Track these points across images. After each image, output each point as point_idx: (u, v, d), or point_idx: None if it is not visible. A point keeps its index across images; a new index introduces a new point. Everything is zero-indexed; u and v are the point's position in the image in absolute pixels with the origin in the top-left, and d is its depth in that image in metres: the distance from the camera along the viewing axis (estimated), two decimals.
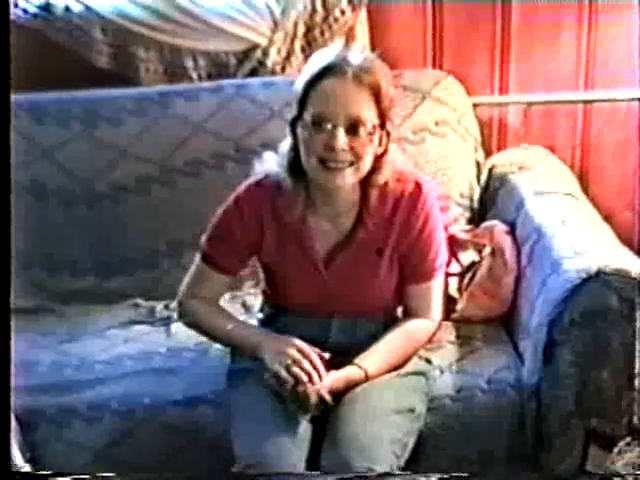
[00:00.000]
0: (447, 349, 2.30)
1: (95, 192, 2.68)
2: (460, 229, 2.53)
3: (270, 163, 2.07)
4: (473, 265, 2.43)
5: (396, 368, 2.05)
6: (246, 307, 2.52)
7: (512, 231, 2.45)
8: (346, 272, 2.06)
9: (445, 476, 1.91)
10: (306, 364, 1.93)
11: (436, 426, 2.10)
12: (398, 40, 2.88)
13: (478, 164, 2.78)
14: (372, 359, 2.02)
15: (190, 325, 2.18)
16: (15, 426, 2.04)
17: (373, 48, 2.83)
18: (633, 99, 2.90)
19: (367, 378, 1.99)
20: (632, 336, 2.05)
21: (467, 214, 2.72)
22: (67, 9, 2.78)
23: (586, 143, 2.98)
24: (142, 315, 2.59)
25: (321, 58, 1.97)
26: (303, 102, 1.95)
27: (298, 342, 1.97)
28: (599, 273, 2.03)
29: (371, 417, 1.94)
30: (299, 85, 1.96)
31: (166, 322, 2.53)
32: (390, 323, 2.09)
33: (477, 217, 2.70)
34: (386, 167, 2.01)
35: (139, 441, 2.16)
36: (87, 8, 2.78)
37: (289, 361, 1.93)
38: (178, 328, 2.42)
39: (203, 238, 2.12)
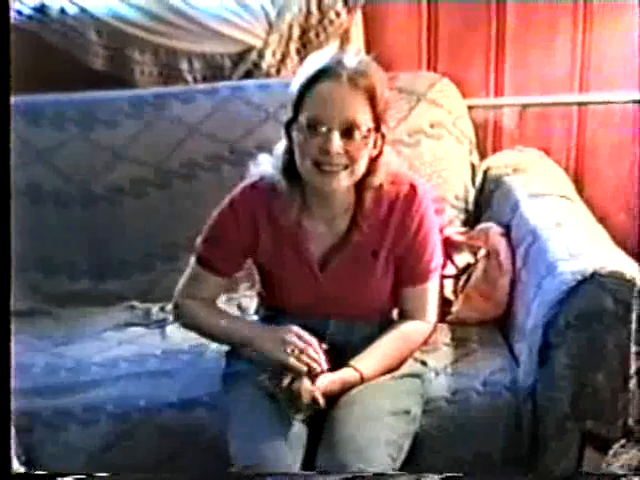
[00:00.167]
0: (442, 351, 2.30)
1: (91, 194, 2.68)
2: (455, 231, 2.53)
3: (265, 165, 2.07)
4: (468, 267, 2.43)
5: (392, 370, 2.05)
6: (242, 309, 2.52)
7: (507, 233, 2.45)
8: (341, 274, 2.06)
9: (440, 477, 1.91)
10: (310, 351, 1.95)
11: (432, 428, 2.10)
12: (393, 42, 2.89)
13: (473, 166, 2.79)
14: (368, 361, 2.02)
15: (187, 326, 2.18)
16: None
17: (368, 50, 2.84)
18: (628, 101, 2.91)
19: (363, 380, 1.99)
20: (627, 338, 2.06)
21: (462, 216, 2.73)
22: (62, 11, 2.78)
23: (581, 145, 2.99)
24: (138, 317, 2.59)
25: (316, 61, 1.97)
26: (298, 105, 1.95)
27: (295, 329, 1.98)
28: (594, 275, 2.03)
29: (367, 419, 1.94)
30: (294, 87, 1.96)
31: (161, 324, 2.53)
32: (386, 325, 2.10)
33: (472, 219, 2.71)
34: (381, 169, 2.01)
35: (135, 443, 2.15)
36: (82, 10, 2.78)
37: (296, 349, 1.94)
38: (173, 330, 2.43)
39: (198, 240, 2.12)
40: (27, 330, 2.42)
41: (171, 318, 2.47)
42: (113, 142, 2.69)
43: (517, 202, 2.49)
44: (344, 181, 1.97)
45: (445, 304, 2.38)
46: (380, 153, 2.00)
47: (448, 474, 1.94)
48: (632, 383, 2.10)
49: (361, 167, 1.97)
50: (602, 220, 2.43)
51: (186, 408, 2.16)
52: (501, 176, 2.69)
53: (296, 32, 2.83)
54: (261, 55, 2.83)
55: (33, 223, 2.55)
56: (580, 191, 2.71)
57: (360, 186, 2.01)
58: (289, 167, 2.00)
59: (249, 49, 2.83)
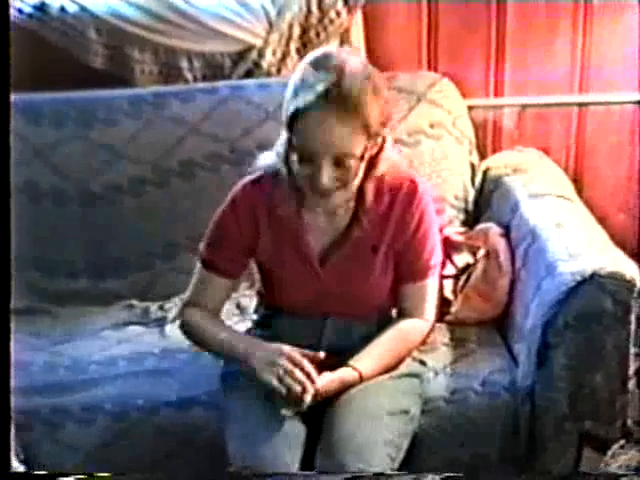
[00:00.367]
0: (441, 351, 2.30)
1: (90, 193, 2.68)
2: (455, 231, 2.53)
3: (268, 158, 2.05)
4: (468, 267, 2.43)
5: (390, 369, 2.05)
6: (240, 308, 2.52)
7: (507, 233, 2.45)
8: (342, 270, 2.05)
9: (439, 477, 1.90)
10: (298, 373, 1.90)
11: (430, 428, 2.10)
12: (393, 42, 2.89)
13: (473, 166, 2.79)
14: (366, 360, 2.01)
15: (186, 334, 2.15)
16: None
17: (368, 50, 2.85)
18: (627, 102, 2.91)
19: (361, 380, 1.99)
20: (626, 339, 2.06)
21: (462, 216, 2.73)
22: (62, 9, 2.77)
23: (580, 146, 2.99)
24: (136, 316, 2.58)
25: (308, 81, 1.86)
26: (291, 125, 1.89)
27: (288, 350, 1.93)
28: (594, 276, 2.03)
29: (365, 419, 1.94)
30: (286, 104, 1.90)
31: (160, 323, 2.53)
32: (384, 325, 2.09)
33: (472, 219, 2.71)
34: (382, 163, 1.98)
35: (133, 442, 2.15)
36: (82, 8, 2.78)
37: (281, 371, 1.90)
38: (172, 329, 2.43)
39: (202, 244, 2.11)
40: (25, 329, 2.42)
41: (170, 317, 2.48)
42: (112, 141, 2.69)
43: (517, 202, 2.49)
44: (339, 199, 1.97)
45: (444, 304, 2.39)
46: (381, 149, 1.97)
47: (446, 474, 1.94)
48: (631, 384, 2.10)
49: (357, 180, 1.94)
50: (601, 220, 2.43)
51: (184, 407, 2.16)
52: (501, 176, 2.69)
53: (296, 31, 2.82)
54: (261, 54, 2.83)
55: (32, 222, 2.55)
56: (579, 191, 2.71)
57: (361, 180, 1.99)
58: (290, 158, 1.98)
59: (249, 48, 2.83)
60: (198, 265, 2.11)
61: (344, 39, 2.85)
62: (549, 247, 2.21)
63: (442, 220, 2.40)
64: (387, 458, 1.91)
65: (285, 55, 2.84)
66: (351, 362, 2.00)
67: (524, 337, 2.17)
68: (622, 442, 2.11)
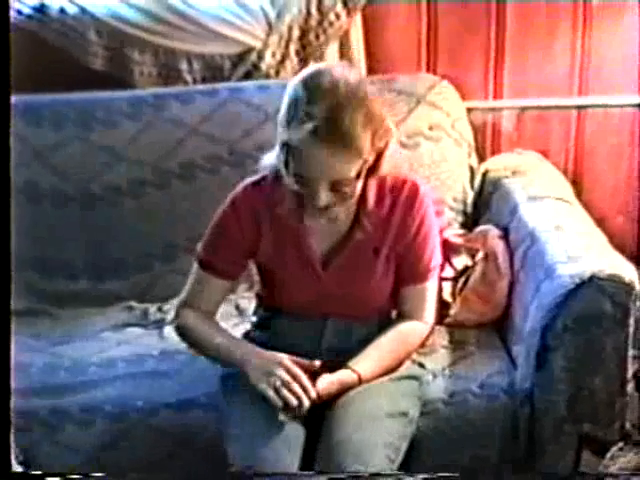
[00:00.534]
0: (440, 353, 2.30)
1: (89, 194, 2.68)
2: (453, 233, 2.53)
3: (271, 158, 2.04)
4: (466, 270, 2.43)
5: (390, 371, 2.05)
6: (239, 310, 2.52)
7: (505, 236, 2.45)
8: (343, 272, 2.05)
9: (437, 479, 1.91)
10: (295, 386, 1.89)
11: (429, 430, 2.10)
12: (393, 44, 2.89)
13: (472, 169, 2.79)
14: (366, 363, 2.01)
15: (181, 336, 2.15)
16: None
17: (368, 52, 2.85)
18: (627, 105, 2.91)
19: (361, 382, 1.99)
20: (625, 341, 2.06)
21: (460, 218, 2.73)
22: (62, 11, 2.78)
23: (579, 148, 2.99)
24: (135, 318, 2.58)
25: (298, 114, 1.85)
26: (287, 146, 1.88)
27: (285, 360, 1.92)
28: (593, 278, 2.04)
29: (365, 421, 1.93)
30: (279, 129, 1.89)
31: (159, 325, 2.53)
32: (385, 326, 2.09)
33: (471, 222, 2.71)
34: (385, 163, 1.96)
35: (132, 444, 2.15)
36: (82, 10, 2.78)
37: (277, 382, 1.89)
38: (171, 331, 2.41)
39: (199, 245, 2.10)
40: (25, 330, 2.41)
41: (169, 318, 2.47)
42: (112, 142, 2.69)
43: (516, 205, 2.49)
44: (339, 213, 1.98)
45: (443, 306, 2.38)
46: (385, 148, 1.94)
47: (445, 475, 1.94)
48: (629, 386, 2.10)
49: (355, 193, 1.94)
50: (600, 223, 2.44)
51: (183, 409, 2.16)
52: (500, 179, 2.69)
53: (296, 33, 2.83)
54: (260, 56, 2.83)
55: (31, 223, 2.54)
56: (578, 194, 2.72)
57: (363, 181, 1.98)
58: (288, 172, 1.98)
59: (248, 50, 2.83)
60: (195, 266, 2.11)
61: (343, 41, 2.85)
62: (548, 250, 2.21)
63: (441, 222, 2.40)
64: (386, 460, 1.91)
65: (284, 57, 2.84)
66: (350, 364, 2.00)
67: (523, 339, 2.17)
68: (621, 444, 2.11)
